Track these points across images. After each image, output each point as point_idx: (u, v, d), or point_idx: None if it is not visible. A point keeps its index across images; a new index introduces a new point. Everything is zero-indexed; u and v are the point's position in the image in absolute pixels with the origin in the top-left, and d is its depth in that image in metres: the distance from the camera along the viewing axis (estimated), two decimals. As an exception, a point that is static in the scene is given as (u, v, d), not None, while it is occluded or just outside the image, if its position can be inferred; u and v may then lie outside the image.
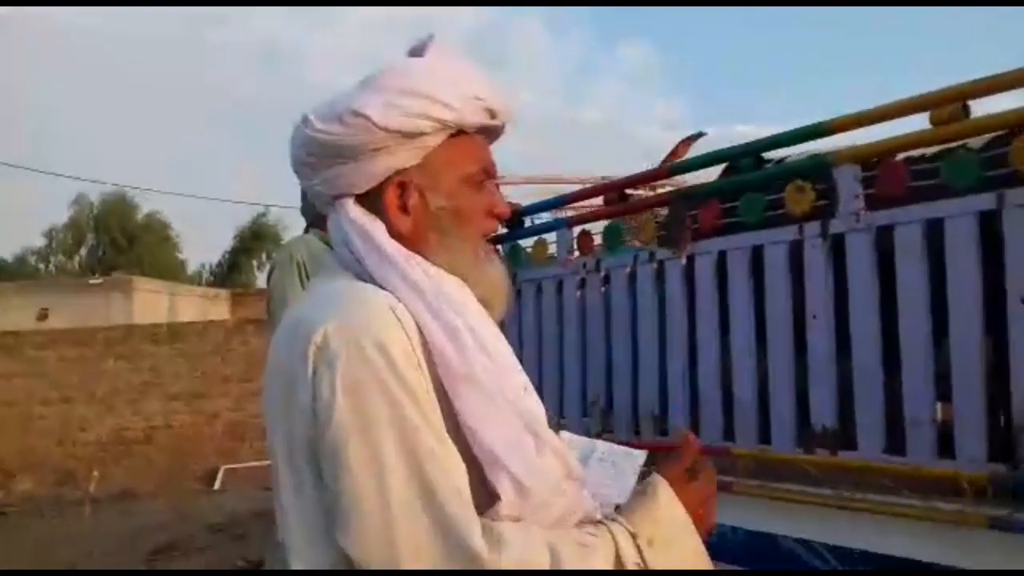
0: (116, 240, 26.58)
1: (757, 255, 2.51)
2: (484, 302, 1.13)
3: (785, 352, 2.41)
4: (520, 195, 3.77)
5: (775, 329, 2.44)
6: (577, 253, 3.24)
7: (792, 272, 2.41)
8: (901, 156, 2.24)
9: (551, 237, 3.36)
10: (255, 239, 29.11)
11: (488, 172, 1.16)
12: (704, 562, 1.06)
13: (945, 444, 2.04)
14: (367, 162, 1.09)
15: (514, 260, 3.61)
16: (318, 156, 1.12)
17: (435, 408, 0.97)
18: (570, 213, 3.64)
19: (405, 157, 1.09)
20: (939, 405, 2.12)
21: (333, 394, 0.95)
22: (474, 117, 1.12)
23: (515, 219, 3.58)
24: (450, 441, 0.97)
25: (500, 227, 1.24)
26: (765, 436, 2.45)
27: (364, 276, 1.08)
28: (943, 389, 2.06)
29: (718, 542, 2.46)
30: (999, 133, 2.10)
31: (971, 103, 2.03)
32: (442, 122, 1.09)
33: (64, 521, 8.44)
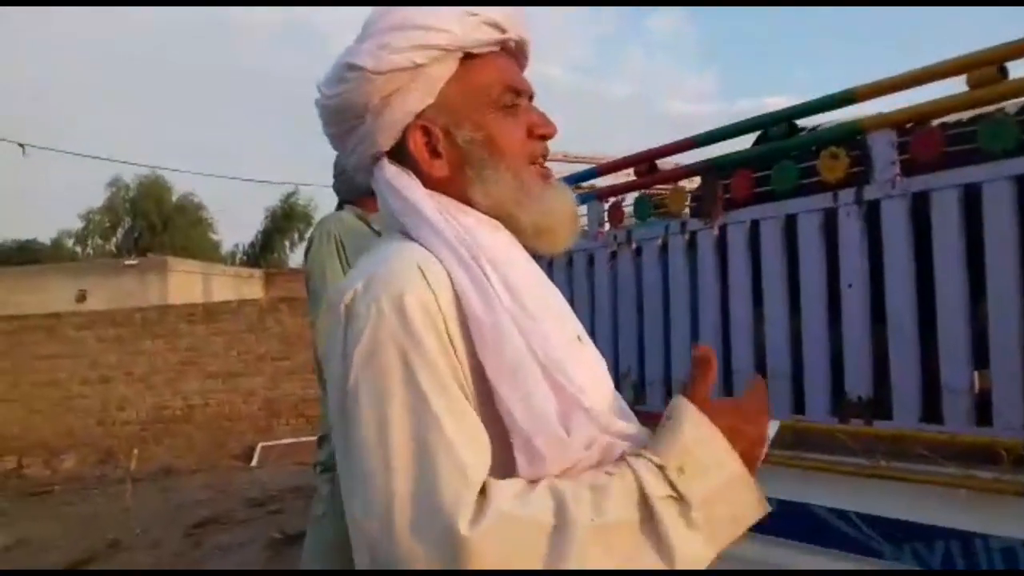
0: (151, 222, 26.95)
1: (791, 224, 2.48)
2: (543, 231, 1.08)
3: (819, 321, 2.39)
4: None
5: (809, 298, 2.42)
6: (608, 226, 3.24)
7: (826, 240, 2.39)
8: (937, 121, 2.20)
9: (581, 211, 3.35)
10: (286, 219, 29.38)
11: (517, 90, 1.08)
12: (750, 492, 0.96)
13: (983, 412, 2.02)
14: (381, 114, 1.04)
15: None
16: (336, 123, 1.10)
17: (455, 371, 0.93)
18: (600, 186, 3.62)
19: (417, 97, 1.04)
20: (976, 373, 2.09)
21: (353, 356, 0.93)
22: (476, 34, 1.05)
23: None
24: (465, 406, 0.92)
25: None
26: (799, 406, 2.44)
27: (410, 235, 1.04)
28: (981, 356, 2.04)
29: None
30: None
31: (1008, 65, 1.99)
32: (440, 48, 1.03)
33: (107, 499, 8.61)
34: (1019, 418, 1.91)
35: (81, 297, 17.46)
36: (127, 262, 19.30)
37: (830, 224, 2.36)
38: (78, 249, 27.74)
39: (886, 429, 2.16)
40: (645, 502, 0.90)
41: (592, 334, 3.16)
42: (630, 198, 3.21)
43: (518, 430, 0.93)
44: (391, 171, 1.07)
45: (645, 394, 2.98)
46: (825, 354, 2.37)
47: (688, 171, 2.89)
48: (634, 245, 3.05)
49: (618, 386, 3.01)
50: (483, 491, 0.88)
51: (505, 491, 0.89)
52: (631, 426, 1.01)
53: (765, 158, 2.60)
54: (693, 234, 2.81)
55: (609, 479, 0.91)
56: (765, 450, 1.02)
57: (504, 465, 0.93)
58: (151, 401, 11.64)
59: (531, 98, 1.12)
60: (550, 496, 0.89)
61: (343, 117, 1.08)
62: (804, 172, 2.44)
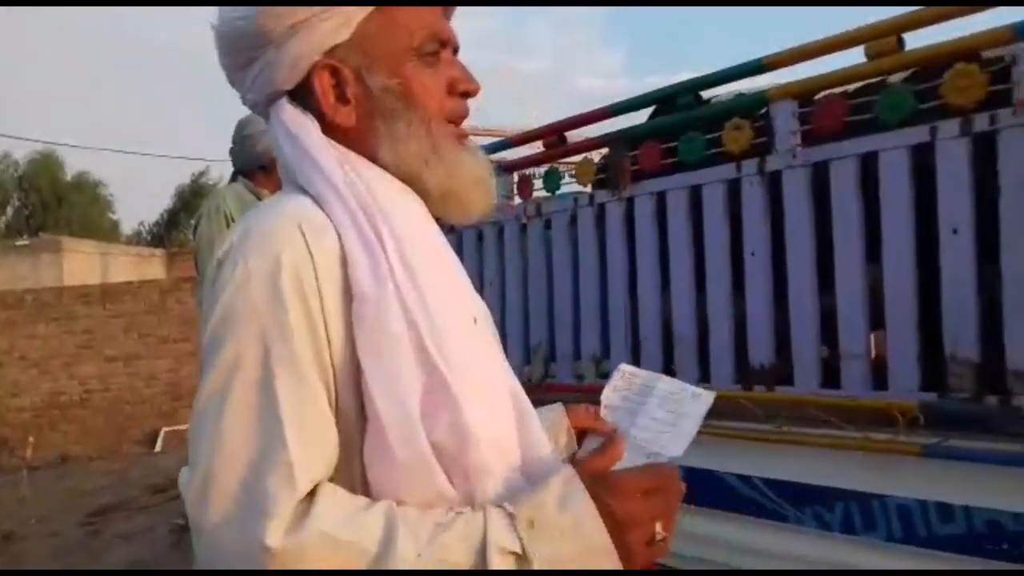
0: (44, 200, 25.71)
1: (696, 195, 2.50)
2: (450, 196, 0.97)
3: (724, 290, 2.41)
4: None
5: (714, 268, 2.44)
6: (517, 199, 3.21)
7: (730, 211, 2.41)
8: (838, 91, 2.23)
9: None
10: (196, 196, 28.40)
11: (441, 40, 0.97)
12: (602, 564, 0.84)
13: (880, 377, 2.07)
14: (285, 45, 0.92)
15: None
16: (233, 53, 0.98)
17: (318, 352, 0.84)
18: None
19: (329, 30, 0.92)
20: (873, 338, 2.15)
21: (212, 318, 0.85)
22: None
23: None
24: (317, 397, 0.83)
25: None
26: (705, 375, 2.47)
27: (305, 189, 0.93)
28: (877, 323, 2.09)
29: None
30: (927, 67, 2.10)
31: (906, 36, 2.03)
32: None
33: (2, 488, 8.22)
34: (914, 382, 1.97)
35: (-31, 279, 16.55)
36: (18, 242, 18.34)
37: (734, 194, 2.39)
38: (-36, 229, 26.32)
39: (788, 395, 2.20)
40: (482, 550, 0.80)
41: (502, 309, 3.15)
42: (542, 172, 3.18)
43: (375, 414, 0.84)
44: (289, 112, 0.95)
45: (555, 366, 2.97)
46: (729, 323, 2.40)
47: (596, 143, 2.88)
48: (544, 218, 3.03)
49: (528, 359, 3.00)
50: (313, 494, 0.80)
51: (335, 509, 0.80)
52: (509, 437, 0.91)
53: (673, 129, 2.61)
54: (602, 206, 2.80)
55: (456, 517, 0.82)
56: (664, 543, 0.87)
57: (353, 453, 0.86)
58: (47, 387, 11.11)
59: (456, 52, 1.01)
60: (383, 523, 0.80)
61: (241, 46, 0.96)
62: (711, 143, 2.46)
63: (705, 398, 1.02)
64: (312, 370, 0.83)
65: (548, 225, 3.02)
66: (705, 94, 2.71)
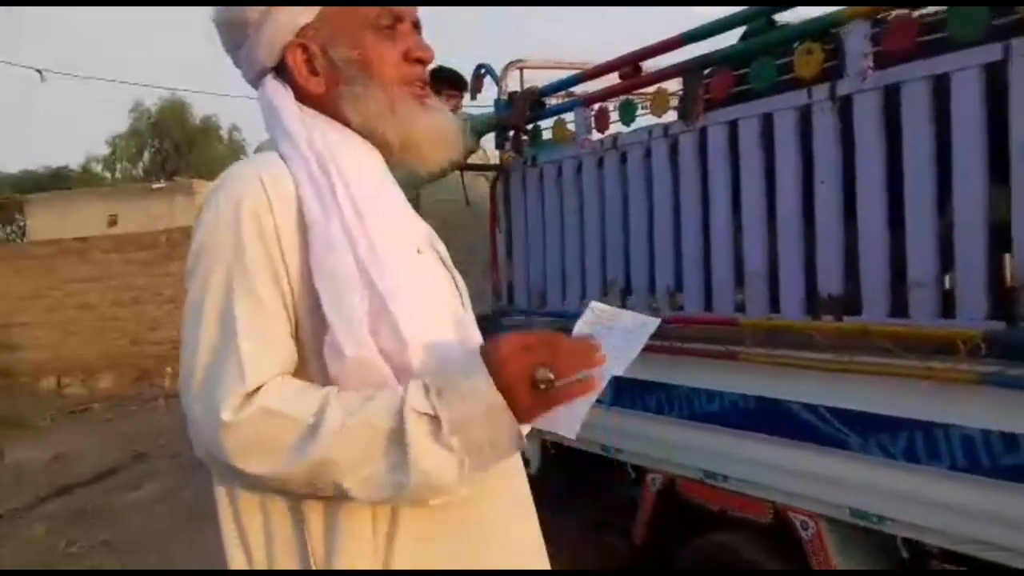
0: (176, 144, 27.03)
1: (768, 123, 2.45)
2: (408, 147, 1.15)
3: (794, 221, 2.38)
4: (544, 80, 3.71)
5: (784, 198, 2.41)
6: (596, 133, 3.21)
7: (801, 138, 2.36)
8: (915, 13, 2.14)
9: (570, 117, 3.33)
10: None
11: (396, 15, 1.14)
12: (505, 423, 0.97)
13: (949, 305, 2.02)
14: (261, 28, 1.11)
15: (535, 143, 3.60)
16: (225, 39, 1.17)
17: (275, 278, 1.01)
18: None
19: (295, 14, 1.10)
20: (942, 266, 2.09)
21: (193, 247, 1.04)
22: None
23: (535, 101, 3.55)
24: (273, 312, 1.01)
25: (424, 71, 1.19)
26: (775, 306, 2.46)
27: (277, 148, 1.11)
28: (948, 250, 2.03)
29: (729, 408, 2.53)
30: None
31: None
32: None
33: (143, 415, 8.96)
34: (981, 310, 1.92)
35: (112, 221, 17.72)
36: (155, 186, 19.46)
37: (805, 122, 2.33)
38: (107, 174, 28.00)
39: (854, 324, 2.18)
40: (400, 413, 0.95)
41: (581, 243, 3.19)
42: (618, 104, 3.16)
43: (328, 324, 1.00)
44: (271, 86, 1.15)
45: (631, 300, 3.00)
46: (799, 253, 2.37)
47: (670, 72, 2.85)
48: (619, 151, 3.04)
49: (605, 293, 3.05)
50: (260, 388, 0.98)
51: (276, 392, 0.98)
52: (444, 341, 1.06)
53: (745, 56, 2.55)
54: (676, 137, 2.79)
55: (381, 392, 0.98)
56: (554, 387, 0.98)
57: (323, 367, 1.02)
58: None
59: (416, 25, 1.18)
60: (318, 399, 0.97)
61: (229, 32, 1.16)
62: (782, 69, 2.40)
63: (650, 326, 1.11)
64: (267, 293, 1.02)
65: (624, 159, 3.03)
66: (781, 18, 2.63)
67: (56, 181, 24.65)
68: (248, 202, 1.02)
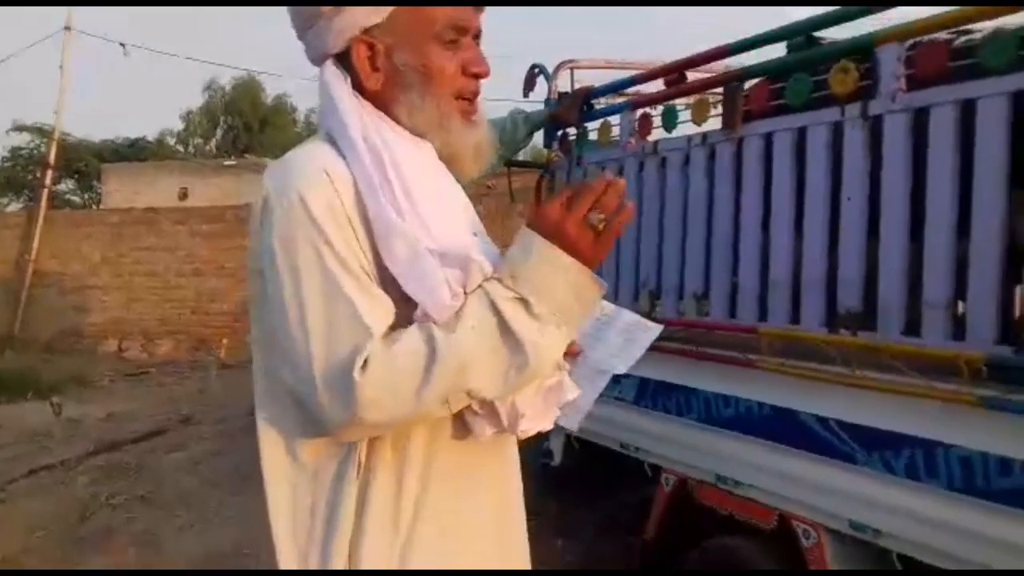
0: (248, 123, 27.60)
1: (801, 137, 2.50)
2: (449, 159, 1.22)
3: (819, 234, 2.42)
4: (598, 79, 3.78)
5: (812, 212, 2.45)
6: (637, 137, 3.27)
7: (833, 155, 2.40)
8: (946, 35, 2.16)
9: (616, 120, 3.39)
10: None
11: (459, 29, 1.19)
12: (581, 274, 1.08)
13: (960, 328, 2.05)
14: (333, 19, 1.17)
15: (581, 143, 3.67)
16: (296, 18, 1.23)
17: (356, 257, 1.09)
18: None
19: (367, 13, 1.16)
20: (957, 290, 2.11)
21: (271, 244, 1.10)
22: None
23: (585, 102, 3.62)
24: (367, 282, 1.09)
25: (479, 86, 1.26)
26: (796, 316, 2.50)
27: (332, 135, 1.18)
28: (964, 275, 2.05)
29: (744, 415, 2.57)
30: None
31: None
32: None
33: (195, 382, 9.28)
34: (988, 334, 1.94)
35: (183, 195, 18.22)
36: (226, 163, 19.93)
37: (837, 138, 2.37)
38: (180, 148, 28.72)
39: (867, 341, 2.21)
40: (494, 307, 1.06)
41: (617, 244, 3.26)
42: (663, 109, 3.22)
43: (419, 304, 1.09)
44: (331, 72, 1.20)
45: (660, 303, 3.07)
46: (822, 266, 2.41)
47: (712, 81, 2.90)
48: (660, 156, 3.10)
49: (637, 296, 3.11)
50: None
51: (381, 338, 1.06)
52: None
53: (785, 70, 2.60)
54: (713, 146, 2.84)
55: (463, 304, 1.08)
56: (609, 225, 1.08)
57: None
58: (240, 295, 12.25)
59: (477, 37, 1.24)
60: (418, 329, 1.07)
61: (303, 16, 1.22)
62: (819, 85, 2.44)
63: (654, 331, 1.19)
64: (358, 268, 1.10)
65: (663, 164, 3.09)
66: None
67: (133, 152, 25.44)
68: (320, 194, 1.09)
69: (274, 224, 1.09)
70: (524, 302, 1.06)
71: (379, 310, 1.09)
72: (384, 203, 1.10)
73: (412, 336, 1.06)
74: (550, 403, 1.16)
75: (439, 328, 1.05)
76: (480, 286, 1.08)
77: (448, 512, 1.17)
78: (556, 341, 1.08)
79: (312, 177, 1.10)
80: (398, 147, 1.16)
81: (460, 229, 1.17)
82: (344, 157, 1.14)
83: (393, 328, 1.09)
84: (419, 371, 1.04)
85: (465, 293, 1.09)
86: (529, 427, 1.14)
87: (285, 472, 1.17)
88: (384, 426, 1.09)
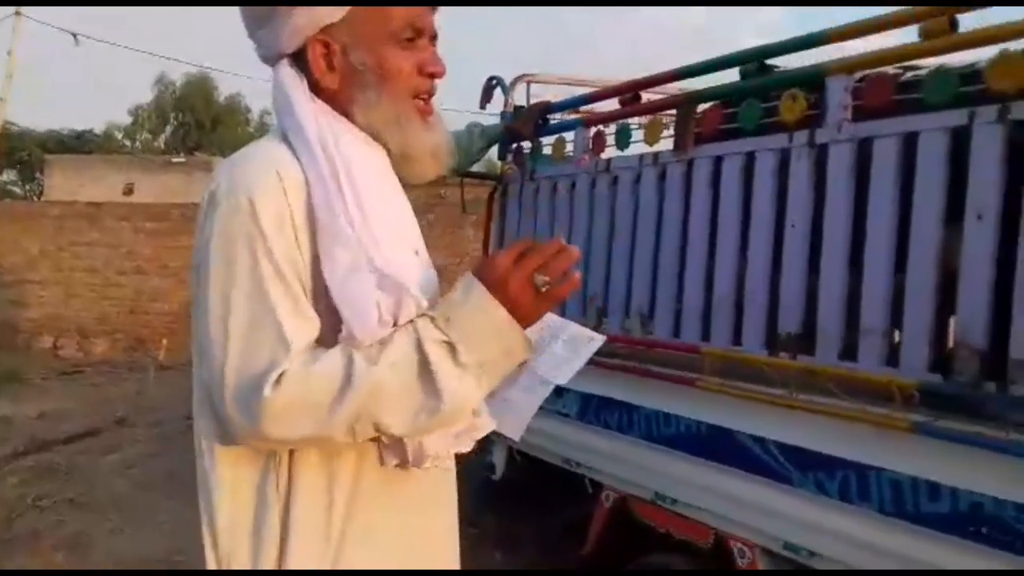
0: (199, 121, 27.22)
1: (750, 162, 2.54)
2: (404, 159, 1.21)
3: (763, 258, 2.46)
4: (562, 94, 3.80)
5: (757, 235, 2.49)
6: (590, 154, 3.30)
7: (779, 181, 2.44)
8: (894, 69, 2.23)
9: (570, 136, 3.42)
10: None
11: (416, 29, 1.18)
12: (514, 332, 1.07)
13: (895, 354, 2.10)
14: (289, 17, 1.15)
15: (535, 158, 3.69)
16: (249, 16, 1.21)
17: (295, 266, 1.07)
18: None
19: (325, 12, 1.14)
20: (893, 318, 2.16)
21: (210, 239, 1.08)
22: None
23: (541, 117, 3.64)
24: (298, 294, 1.07)
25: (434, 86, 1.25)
26: (737, 338, 2.54)
27: (286, 136, 1.16)
28: (900, 303, 2.11)
29: (684, 433, 2.60)
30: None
31: (960, 18, 2.00)
32: None
33: (132, 383, 9.07)
34: (922, 362, 2.00)
35: (128, 190, 17.86)
36: (174, 160, 19.62)
37: (784, 165, 2.42)
38: (127, 143, 28.19)
39: (805, 364, 2.26)
40: (420, 347, 1.05)
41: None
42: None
43: (344, 320, 1.07)
44: (286, 72, 1.19)
45: (606, 320, 3.09)
46: (765, 289, 2.45)
47: (665, 103, 2.94)
48: (611, 174, 3.13)
49: (584, 311, 3.13)
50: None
51: (302, 357, 1.04)
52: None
53: (737, 95, 2.64)
54: (664, 166, 2.87)
55: (392, 334, 1.07)
56: (552, 289, 1.09)
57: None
58: (183, 295, 12.03)
59: (434, 38, 1.23)
60: (340, 352, 1.05)
61: (256, 13, 1.20)
62: (769, 111, 2.49)
63: (596, 342, 1.20)
64: (293, 278, 1.07)
65: (615, 181, 3.12)
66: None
67: (79, 144, 24.87)
68: (268, 196, 1.07)
69: (216, 220, 1.08)
70: (452, 348, 1.05)
71: (305, 326, 1.07)
72: (337, 212, 1.08)
73: (332, 359, 1.04)
74: (461, 443, 1.15)
75: (361, 355, 1.04)
76: (412, 321, 1.08)
77: (378, 529, 1.16)
78: (474, 392, 1.08)
79: (264, 180, 1.08)
80: (353, 152, 1.15)
81: (404, 247, 1.16)
82: (299, 159, 1.12)
83: (318, 343, 1.08)
84: (331, 395, 1.02)
85: (395, 323, 1.08)
86: (434, 464, 1.14)
87: (214, 482, 1.14)
88: (287, 443, 1.07)
